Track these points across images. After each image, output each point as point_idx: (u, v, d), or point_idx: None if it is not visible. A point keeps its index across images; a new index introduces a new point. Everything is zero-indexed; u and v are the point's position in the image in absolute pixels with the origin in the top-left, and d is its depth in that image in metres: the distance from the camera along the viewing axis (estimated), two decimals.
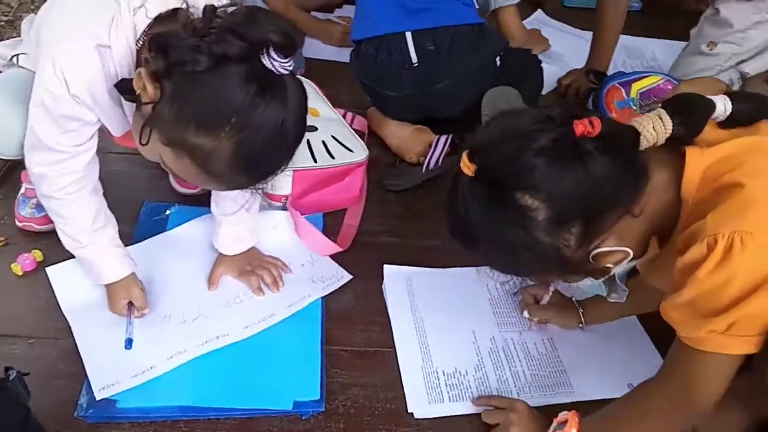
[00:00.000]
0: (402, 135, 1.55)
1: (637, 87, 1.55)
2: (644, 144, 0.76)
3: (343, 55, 1.78)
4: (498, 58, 1.53)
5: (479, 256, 0.83)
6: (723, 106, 0.78)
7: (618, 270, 0.80)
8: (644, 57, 2.04)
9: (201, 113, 0.80)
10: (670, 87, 1.55)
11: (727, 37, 1.59)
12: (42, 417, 0.90)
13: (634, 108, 1.50)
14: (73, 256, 1.10)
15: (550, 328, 1.16)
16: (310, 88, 1.54)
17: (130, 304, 1.08)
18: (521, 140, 0.73)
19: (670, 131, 0.76)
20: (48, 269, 1.14)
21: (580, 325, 1.14)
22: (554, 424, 0.94)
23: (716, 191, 0.74)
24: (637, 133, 0.76)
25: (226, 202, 1.14)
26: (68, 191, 0.99)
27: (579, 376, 1.09)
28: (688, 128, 0.77)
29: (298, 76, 1.60)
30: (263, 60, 0.79)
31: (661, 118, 0.76)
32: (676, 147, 0.77)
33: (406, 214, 1.42)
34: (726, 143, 0.76)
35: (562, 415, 0.93)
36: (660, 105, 0.79)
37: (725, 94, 0.81)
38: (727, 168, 0.74)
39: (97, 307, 1.09)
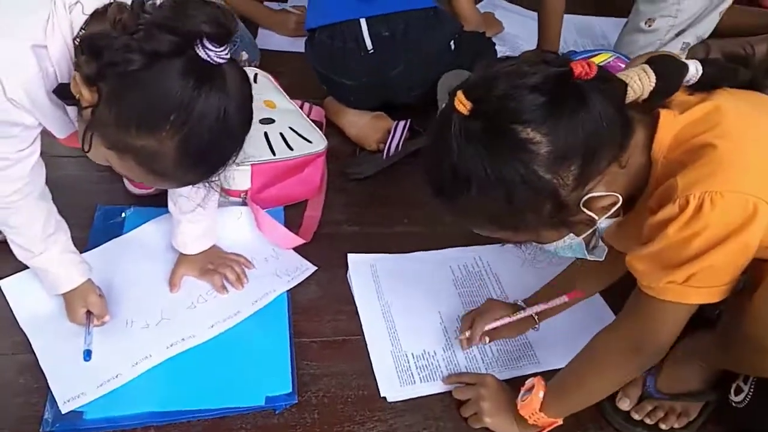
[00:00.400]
0: (360, 123, 1.54)
1: None
2: (631, 95, 0.77)
3: (298, 45, 1.77)
4: (453, 42, 1.52)
5: (466, 212, 0.80)
6: (695, 69, 0.79)
7: (601, 225, 0.81)
8: (595, 35, 2.07)
9: (139, 114, 0.78)
10: (621, 64, 1.56)
11: (662, 12, 1.64)
12: None
13: None
14: (26, 267, 1.07)
15: None
16: (266, 79, 1.53)
17: (89, 312, 1.06)
18: (519, 77, 0.73)
19: (653, 84, 0.77)
20: (1, 282, 1.11)
21: (535, 327, 1.12)
22: (522, 391, 0.96)
23: (687, 152, 0.75)
24: (625, 84, 0.77)
25: (183, 199, 1.11)
26: (13, 199, 0.95)
27: (543, 348, 1.11)
28: (667, 86, 0.78)
29: (254, 68, 1.59)
30: (198, 51, 0.77)
31: (645, 72, 0.77)
32: (650, 109, 0.79)
33: (368, 202, 1.42)
34: (697, 107, 0.78)
35: (529, 382, 0.96)
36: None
37: None
38: (699, 130, 0.76)
39: (56, 318, 1.06)
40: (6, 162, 0.91)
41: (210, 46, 0.77)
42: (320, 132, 1.40)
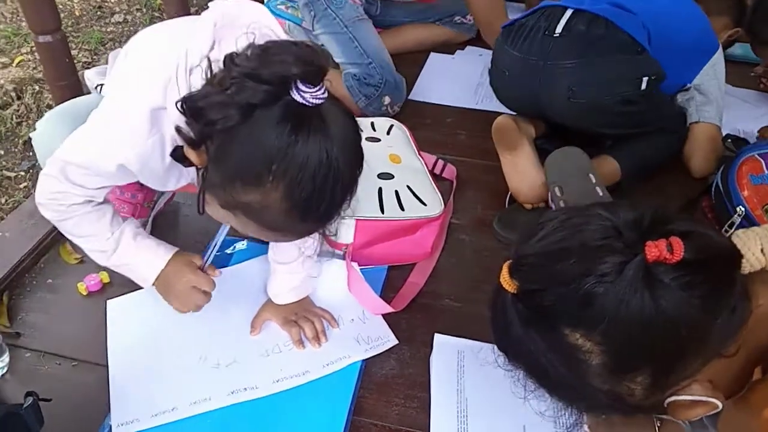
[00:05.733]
0: (529, 179, 1.35)
1: None
2: (747, 269, 0.61)
3: (461, 98, 1.80)
4: (646, 79, 1.31)
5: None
6: None
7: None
8: None
9: (241, 169, 0.77)
10: None
11: None
12: None
13: None
14: (135, 288, 1.12)
15: None
16: (400, 132, 1.49)
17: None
18: (576, 262, 0.60)
19: None
20: (109, 302, 1.17)
21: None
22: None
23: None
24: (738, 257, 0.61)
25: (281, 249, 1.10)
26: (71, 211, 0.98)
27: None
28: None
29: (391, 119, 1.55)
30: (293, 95, 0.74)
31: None
32: None
33: (482, 278, 1.28)
34: None
35: None
36: None
37: None
38: None
39: (141, 345, 1.09)
40: (78, 193, 0.96)
41: (304, 88, 0.74)
42: (440, 195, 1.31)
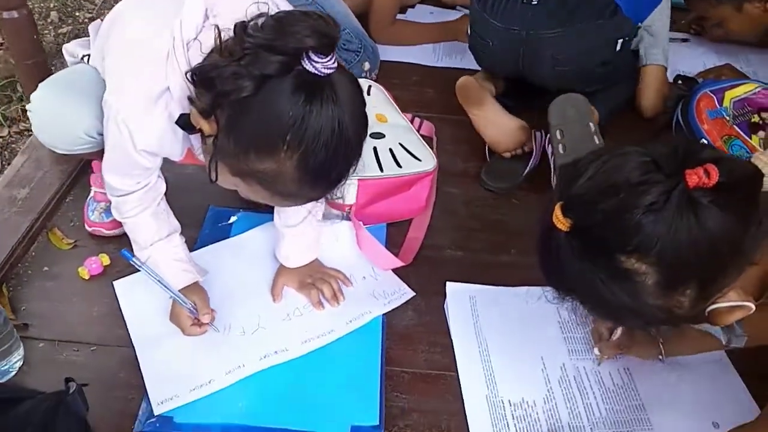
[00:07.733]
0: (502, 126, 1.42)
1: (730, 95, 1.41)
2: (767, 186, 0.69)
3: (415, 55, 1.82)
4: (620, 41, 1.38)
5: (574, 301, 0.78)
6: None
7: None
8: (737, 61, 1.88)
9: (255, 138, 0.78)
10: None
11: None
12: (100, 429, 0.91)
13: (727, 118, 1.37)
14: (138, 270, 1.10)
15: (627, 357, 1.08)
16: (379, 92, 1.50)
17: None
18: (625, 195, 0.66)
19: None
20: (115, 283, 1.15)
21: (660, 357, 1.04)
22: None
23: None
24: (760, 175, 0.68)
25: (288, 213, 1.11)
26: (129, 216, 1.03)
27: (659, 413, 1.00)
28: None
29: (368, 80, 1.55)
30: (305, 65, 0.75)
31: None
32: None
33: (475, 226, 1.35)
34: None
35: None
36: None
37: None
38: None
39: (159, 321, 1.08)
40: (123, 192, 0.99)
41: (316, 58, 0.75)
42: (430, 150, 1.35)
